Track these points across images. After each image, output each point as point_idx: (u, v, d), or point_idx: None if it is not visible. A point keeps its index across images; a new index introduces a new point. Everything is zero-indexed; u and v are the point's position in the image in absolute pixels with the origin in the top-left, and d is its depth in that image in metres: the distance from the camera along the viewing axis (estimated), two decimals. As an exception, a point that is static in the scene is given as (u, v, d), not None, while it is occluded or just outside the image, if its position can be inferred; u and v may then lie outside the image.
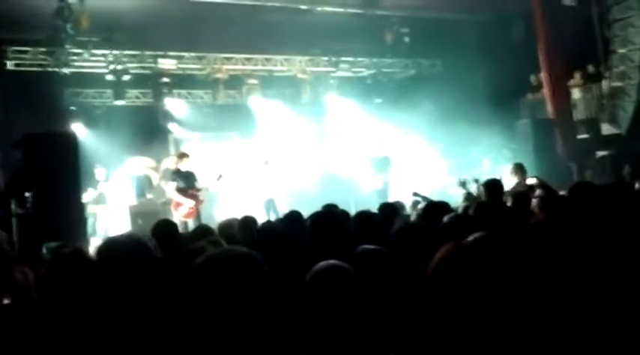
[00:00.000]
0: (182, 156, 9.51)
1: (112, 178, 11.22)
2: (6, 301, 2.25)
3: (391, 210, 4.88)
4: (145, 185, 11.28)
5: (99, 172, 10.52)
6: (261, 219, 5.07)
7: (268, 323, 1.46)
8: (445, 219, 3.24)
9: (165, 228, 3.71)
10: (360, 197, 10.96)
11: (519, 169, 7.70)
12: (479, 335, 1.60)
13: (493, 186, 5.37)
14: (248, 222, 4.63)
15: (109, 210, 10.69)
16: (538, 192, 6.29)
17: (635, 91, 11.03)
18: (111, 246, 2.13)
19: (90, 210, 9.87)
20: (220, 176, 9.46)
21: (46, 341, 1.99)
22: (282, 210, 9.27)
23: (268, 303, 1.47)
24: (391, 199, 9.38)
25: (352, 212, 4.64)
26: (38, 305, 2.39)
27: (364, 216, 4.10)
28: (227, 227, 4.57)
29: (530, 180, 6.90)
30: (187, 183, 9.20)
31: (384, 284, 2.52)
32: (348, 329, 1.82)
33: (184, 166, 9.33)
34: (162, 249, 2.16)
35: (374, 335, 1.90)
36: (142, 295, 2.00)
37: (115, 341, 1.87)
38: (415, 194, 7.20)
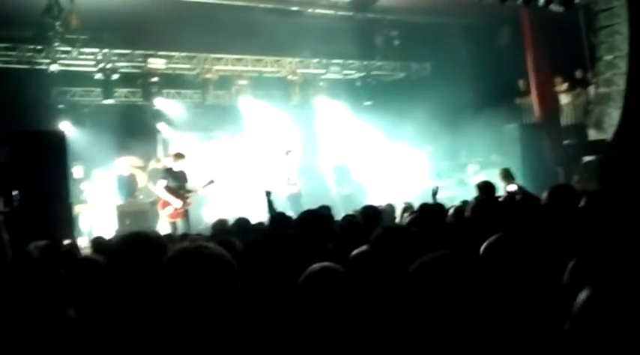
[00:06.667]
0: (178, 156, 9.40)
1: (94, 177, 11.12)
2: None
3: (374, 213, 4.90)
4: (132, 185, 11.19)
5: (76, 170, 10.39)
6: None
7: (239, 321, 1.46)
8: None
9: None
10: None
11: (506, 174, 7.82)
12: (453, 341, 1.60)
13: (486, 188, 5.39)
14: (244, 223, 4.63)
15: (94, 209, 10.59)
16: (517, 197, 6.37)
17: (621, 98, 11.15)
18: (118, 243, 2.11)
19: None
20: (211, 181, 9.41)
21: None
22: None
23: (238, 301, 1.47)
24: (369, 203, 9.41)
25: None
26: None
27: (350, 220, 4.14)
28: (220, 227, 4.57)
29: (511, 187, 6.96)
30: (178, 183, 9.14)
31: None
32: (340, 330, 1.83)
33: (178, 166, 9.25)
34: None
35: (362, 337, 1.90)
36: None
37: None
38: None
